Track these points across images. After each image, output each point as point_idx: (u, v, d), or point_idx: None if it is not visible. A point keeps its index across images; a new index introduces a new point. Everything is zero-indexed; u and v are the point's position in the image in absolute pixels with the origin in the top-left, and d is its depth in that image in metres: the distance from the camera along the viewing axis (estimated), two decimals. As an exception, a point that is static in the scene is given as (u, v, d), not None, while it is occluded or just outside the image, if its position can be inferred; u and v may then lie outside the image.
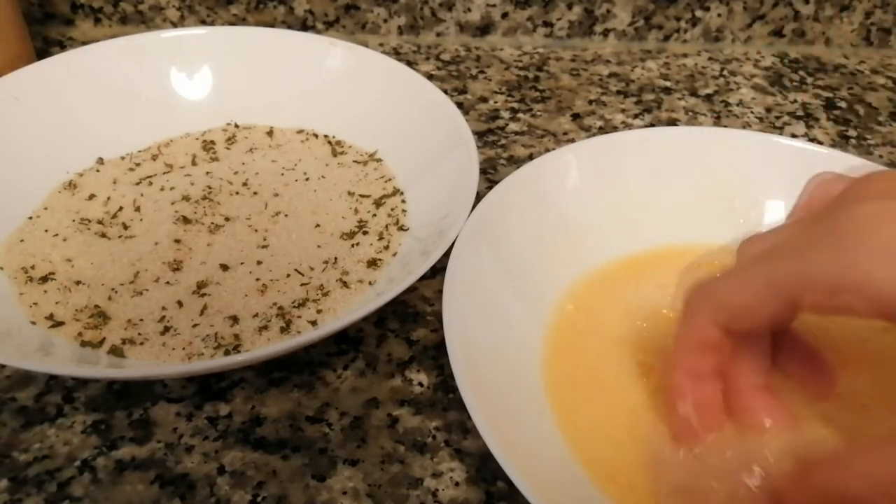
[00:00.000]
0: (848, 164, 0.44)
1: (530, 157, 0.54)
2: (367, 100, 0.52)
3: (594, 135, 0.58)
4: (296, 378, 0.38)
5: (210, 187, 0.47)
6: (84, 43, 0.53)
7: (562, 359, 0.37)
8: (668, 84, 0.65)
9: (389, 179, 0.48)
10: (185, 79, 0.53)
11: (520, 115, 0.60)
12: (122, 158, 0.49)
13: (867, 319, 0.26)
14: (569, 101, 0.62)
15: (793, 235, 0.29)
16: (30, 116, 0.47)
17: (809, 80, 0.68)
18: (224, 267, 0.41)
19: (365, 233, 0.44)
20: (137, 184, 0.47)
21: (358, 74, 0.53)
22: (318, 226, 0.44)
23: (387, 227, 0.44)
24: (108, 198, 0.46)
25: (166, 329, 0.38)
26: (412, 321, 0.41)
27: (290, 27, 0.67)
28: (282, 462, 0.34)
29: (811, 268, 0.27)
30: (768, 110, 0.63)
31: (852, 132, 0.61)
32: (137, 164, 0.49)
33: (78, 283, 0.40)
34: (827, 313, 0.28)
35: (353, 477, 0.34)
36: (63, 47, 0.64)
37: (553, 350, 0.38)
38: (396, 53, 0.67)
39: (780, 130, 0.60)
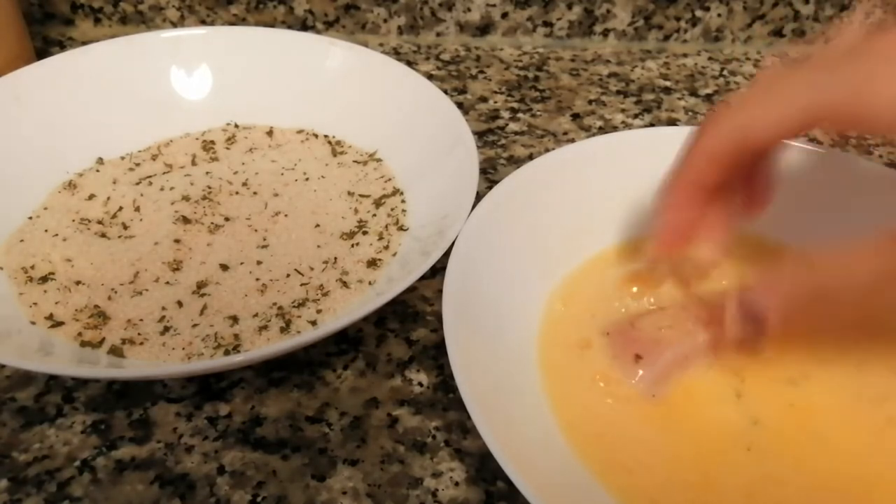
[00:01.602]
0: (848, 164, 0.44)
1: (530, 157, 0.54)
2: (367, 100, 0.52)
3: (594, 135, 0.58)
4: (295, 378, 0.38)
5: (210, 187, 0.47)
6: (84, 43, 0.53)
7: (562, 358, 0.37)
8: (668, 84, 0.66)
9: (389, 179, 0.48)
10: (185, 79, 0.53)
11: (520, 114, 0.60)
12: (122, 158, 0.49)
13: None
14: (569, 101, 0.62)
15: (818, 60, 0.30)
16: (30, 116, 0.47)
17: (809, 79, 0.68)
18: (224, 267, 0.41)
19: (365, 233, 0.44)
20: (137, 184, 0.47)
21: (358, 74, 0.53)
22: (317, 226, 0.44)
23: (387, 227, 0.44)
24: (108, 198, 0.46)
25: (166, 329, 0.38)
26: (412, 321, 0.41)
27: (290, 27, 0.67)
28: (281, 462, 0.34)
29: (834, 83, 0.28)
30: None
31: (852, 132, 0.61)
32: (137, 164, 0.49)
33: (78, 283, 0.40)
34: (843, 128, 0.32)
35: (353, 477, 0.34)
36: (63, 47, 0.64)
37: (552, 349, 0.38)
38: (396, 53, 0.67)
39: (779, 130, 0.60)
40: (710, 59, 0.70)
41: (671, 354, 0.35)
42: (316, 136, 0.52)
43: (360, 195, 0.47)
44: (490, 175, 0.53)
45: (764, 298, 0.30)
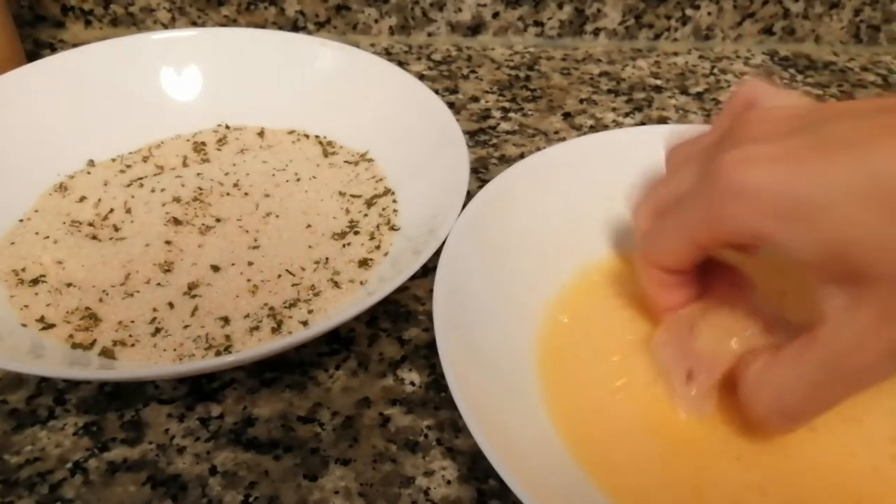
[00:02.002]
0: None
1: (521, 157, 0.54)
2: (358, 100, 0.52)
3: (585, 134, 0.58)
4: (287, 378, 0.38)
5: (201, 188, 0.47)
6: (75, 45, 0.52)
7: (552, 356, 0.37)
8: (658, 83, 0.66)
9: (380, 179, 0.48)
10: (176, 80, 0.53)
11: (511, 114, 0.60)
12: (113, 160, 0.49)
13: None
14: (560, 101, 0.62)
15: (690, 176, 0.33)
16: (20, 119, 0.47)
17: (799, 77, 0.69)
18: (215, 268, 0.41)
19: (356, 233, 0.44)
20: (128, 185, 0.47)
21: (349, 75, 0.53)
22: (309, 226, 0.44)
23: (378, 226, 0.44)
24: (99, 200, 0.46)
25: (157, 330, 0.38)
26: (404, 320, 0.42)
27: (280, 28, 0.67)
28: (273, 462, 0.34)
29: (692, 218, 0.31)
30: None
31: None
32: (128, 166, 0.48)
33: (69, 285, 0.40)
34: (728, 248, 0.33)
35: (345, 476, 0.34)
36: (54, 49, 0.64)
37: (544, 348, 0.38)
38: (388, 54, 0.67)
39: (770, 128, 0.60)
40: (700, 57, 0.70)
41: (724, 372, 0.34)
42: (307, 136, 0.52)
43: (352, 195, 0.47)
44: (481, 174, 0.53)
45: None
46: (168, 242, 0.43)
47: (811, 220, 0.27)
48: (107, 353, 0.36)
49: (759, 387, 0.31)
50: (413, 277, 0.36)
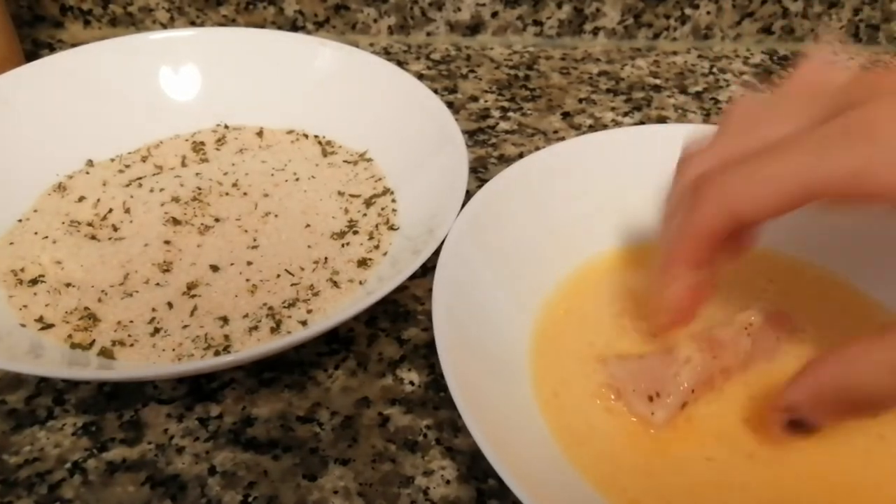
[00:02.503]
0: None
1: (520, 156, 0.54)
2: (357, 100, 0.52)
3: (584, 133, 0.58)
4: (286, 378, 0.38)
5: (200, 188, 0.47)
6: (73, 45, 0.52)
7: (551, 356, 0.37)
8: (657, 82, 0.66)
9: (380, 179, 0.48)
10: (175, 80, 0.53)
11: (510, 113, 0.60)
12: (112, 160, 0.49)
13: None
14: (559, 100, 0.62)
15: (805, 130, 0.29)
16: (19, 119, 0.47)
17: (799, 76, 0.68)
18: (214, 268, 0.41)
19: (355, 232, 0.44)
20: (127, 185, 0.47)
21: (348, 74, 0.53)
22: (308, 226, 0.44)
23: (377, 226, 0.44)
24: (98, 200, 0.46)
25: (156, 330, 0.38)
26: (403, 320, 0.41)
27: (279, 28, 0.67)
28: (273, 462, 0.34)
29: (830, 166, 0.27)
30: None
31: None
32: (127, 166, 0.48)
33: (68, 285, 0.40)
34: (840, 204, 0.29)
35: (345, 476, 0.34)
36: (52, 49, 0.64)
37: (543, 347, 0.38)
38: (387, 53, 0.67)
39: (769, 127, 0.61)
40: (699, 56, 0.70)
41: (687, 387, 0.34)
42: (306, 136, 0.52)
43: (351, 195, 0.47)
44: (481, 174, 0.53)
45: (797, 402, 0.29)
46: (167, 242, 0.43)
47: None
48: (106, 353, 0.36)
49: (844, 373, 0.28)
50: (412, 277, 0.36)
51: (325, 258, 0.42)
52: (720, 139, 0.32)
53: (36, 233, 0.43)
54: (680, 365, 0.34)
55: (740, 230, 0.30)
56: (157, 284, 0.40)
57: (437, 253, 0.37)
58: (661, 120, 0.61)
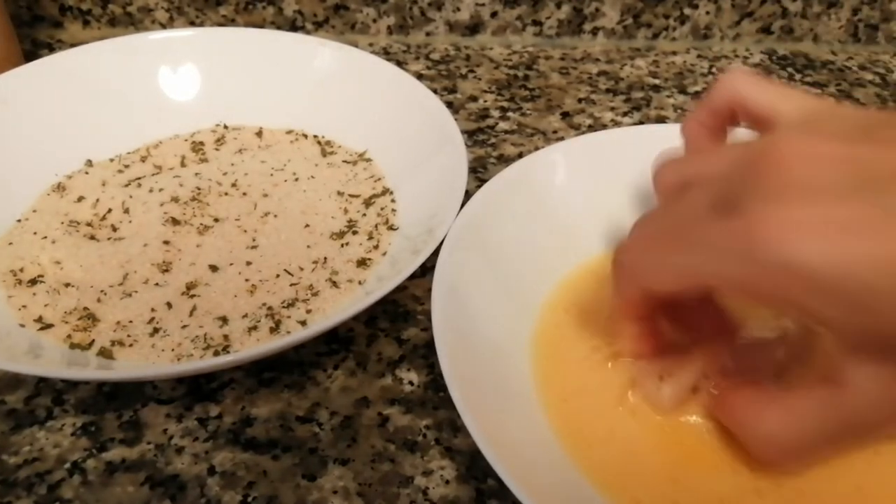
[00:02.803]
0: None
1: (520, 156, 0.54)
2: (356, 100, 0.52)
3: (584, 133, 0.58)
4: (286, 378, 0.38)
5: (199, 188, 0.47)
6: (73, 45, 0.52)
7: (551, 356, 0.37)
8: (657, 82, 0.66)
9: (379, 179, 0.48)
10: (174, 80, 0.53)
11: (509, 113, 0.60)
12: (111, 160, 0.49)
13: None
14: (558, 100, 0.62)
15: (703, 219, 0.28)
16: (18, 119, 0.47)
17: (798, 76, 0.69)
18: (213, 268, 0.41)
19: (354, 232, 0.44)
20: (126, 185, 0.47)
21: (347, 74, 0.53)
22: (307, 226, 0.44)
23: (376, 226, 0.44)
24: (97, 200, 0.46)
25: (156, 330, 0.38)
26: (402, 320, 0.41)
27: (279, 28, 0.67)
28: (272, 462, 0.34)
29: (719, 271, 0.27)
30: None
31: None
32: (126, 166, 0.48)
33: (67, 285, 0.40)
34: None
35: (344, 476, 0.34)
36: (52, 49, 0.64)
37: (542, 346, 0.38)
38: (386, 53, 0.67)
39: (768, 127, 0.61)
40: (698, 56, 0.70)
41: (699, 368, 0.34)
42: (305, 136, 0.52)
43: (350, 195, 0.47)
44: (480, 174, 0.53)
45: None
46: (166, 242, 0.43)
47: (867, 308, 0.24)
48: (105, 354, 0.36)
49: (763, 424, 0.30)
50: (411, 277, 0.36)
51: (325, 258, 0.42)
52: (655, 209, 0.33)
53: (35, 233, 0.43)
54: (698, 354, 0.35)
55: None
56: (157, 284, 0.40)
57: (436, 253, 0.37)
58: (661, 120, 0.61)
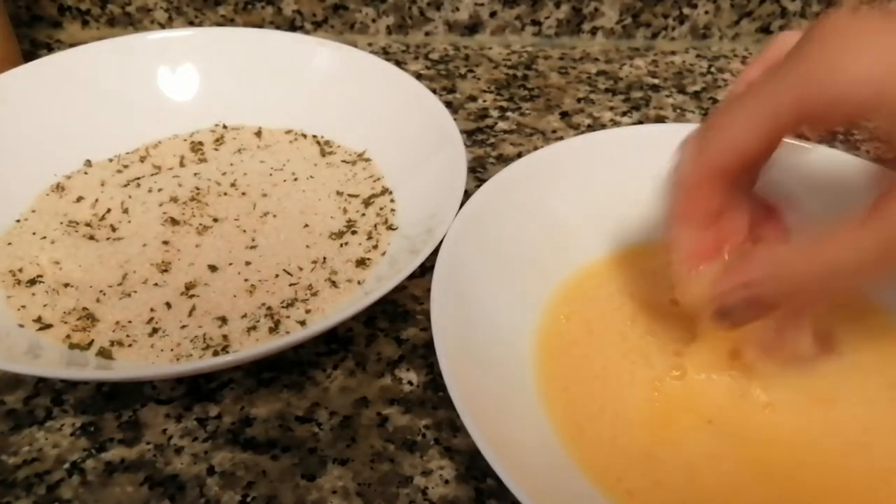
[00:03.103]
0: (834, 159, 0.44)
1: (519, 156, 0.54)
2: (355, 100, 0.52)
3: (583, 133, 0.58)
4: (285, 378, 0.38)
5: (198, 188, 0.47)
6: (72, 45, 0.52)
7: (551, 355, 0.37)
8: (656, 81, 0.66)
9: (378, 179, 0.48)
10: (173, 80, 0.53)
11: (508, 113, 0.60)
12: (110, 160, 0.49)
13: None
14: (557, 100, 0.62)
15: (770, 71, 0.30)
16: (17, 119, 0.47)
17: (797, 76, 0.68)
18: (212, 268, 0.41)
19: (354, 232, 0.44)
20: (125, 185, 0.47)
21: (346, 74, 0.53)
22: (306, 226, 0.44)
23: (375, 226, 0.44)
24: (96, 200, 0.46)
25: (155, 331, 0.38)
26: (402, 320, 0.41)
27: (278, 28, 0.67)
28: (271, 462, 0.34)
29: (791, 87, 0.28)
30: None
31: (839, 127, 0.61)
32: (125, 166, 0.48)
33: (66, 285, 0.40)
34: (817, 125, 0.31)
35: (343, 476, 0.34)
36: (51, 49, 0.64)
37: (542, 346, 0.38)
38: (385, 53, 0.67)
39: (767, 127, 0.61)
40: (697, 56, 0.70)
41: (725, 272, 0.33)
42: (304, 136, 0.52)
43: (349, 195, 0.47)
44: (479, 174, 0.53)
45: (772, 285, 0.30)
46: (165, 242, 0.43)
47: None
48: (104, 354, 0.36)
49: (808, 260, 0.29)
50: (411, 277, 0.36)
51: (324, 258, 0.42)
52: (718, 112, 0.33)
53: (34, 233, 0.43)
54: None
55: (744, 176, 0.32)
56: (156, 284, 0.40)
57: (435, 253, 0.37)
58: (660, 119, 0.61)
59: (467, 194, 0.41)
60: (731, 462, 0.33)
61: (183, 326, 0.38)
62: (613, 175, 0.45)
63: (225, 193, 0.47)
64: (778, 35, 0.35)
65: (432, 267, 0.36)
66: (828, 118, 0.28)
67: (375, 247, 0.43)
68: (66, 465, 0.34)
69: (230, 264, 0.42)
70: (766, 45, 0.35)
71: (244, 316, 0.39)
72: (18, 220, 0.44)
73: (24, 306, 0.38)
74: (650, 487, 0.32)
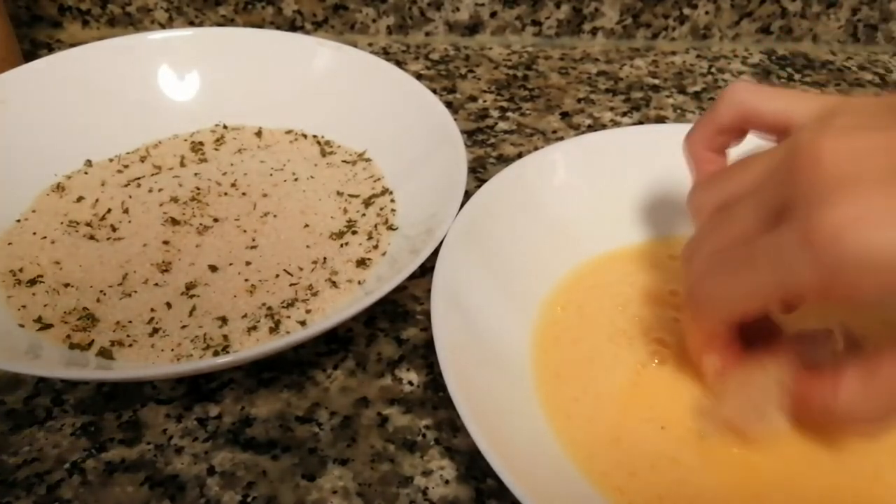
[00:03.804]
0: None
1: (519, 156, 0.54)
2: (355, 100, 0.52)
3: (583, 133, 0.58)
4: (285, 378, 0.38)
5: (198, 188, 0.47)
6: (72, 45, 0.52)
7: (551, 356, 0.37)
8: (656, 82, 0.66)
9: (378, 179, 0.48)
10: (174, 80, 0.53)
11: (509, 113, 0.60)
12: (111, 160, 0.49)
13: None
14: (558, 100, 0.62)
15: (753, 235, 0.29)
16: (17, 119, 0.47)
17: (797, 76, 0.69)
18: (213, 268, 0.41)
19: (354, 232, 0.44)
20: (126, 185, 0.47)
21: (347, 74, 0.53)
22: (306, 226, 0.44)
23: (376, 226, 0.44)
24: (97, 200, 0.46)
25: (155, 331, 0.38)
26: (402, 320, 0.41)
27: (278, 28, 0.67)
28: (272, 462, 0.34)
29: (799, 280, 0.27)
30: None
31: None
32: (126, 166, 0.48)
33: (66, 285, 0.40)
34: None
35: (343, 476, 0.34)
36: (51, 49, 0.64)
37: (542, 347, 0.38)
38: (385, 53, 0.67)
39: (768, 127, 0.61)
40: (698, 56, 0.70)
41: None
42: (305, 136, 0.52)
43: (350, 195, 0.47)
44: (480, 174, 0.53)
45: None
46: (166, 242, 0.43)
47: None
48: (104, 354, 0.36)
49: (841, 391, 0.29)
50: (411, 277, 0.36)
51: (324, 258, 0.42)
52: (702, 235, 0.33)
53: (34, 233, 0.43)
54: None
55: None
56: (156, 285, 0.40)
57: (435, 253, 0.37)
58: (660, 120, 0.61)
59: (467, 194, 0.41)
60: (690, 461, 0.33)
61: (183, 326, 0.38)
62: (614, 175, 0.45)
63: (225, 193, 0.47)
64: (728, 88, 0.35)
65: (432, 267, 0.36)
66: (849, 300, 0.27)
67: (376, 247, 0.43)
68: (67, 465, 0.34)
69: (230, 264, 0.42)
70: (716, 102, 0.35)
71: (244, 316, 0.39)
72: (19, 220, 0.44)
73: (24, 306, 0.38)
74: (649, 485, 0.32)
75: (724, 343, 0.34)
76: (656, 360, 0.37)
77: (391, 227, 0.44)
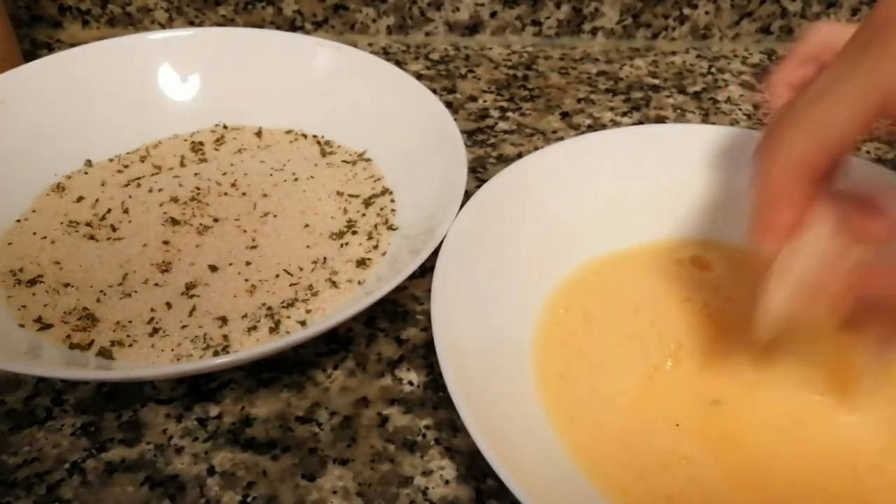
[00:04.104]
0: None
1: (519, 156, 0.54)
2: (355, 100, 0.52)
3: (583, 133, 0.58)
4: (285, 378, 0.38)
5: (198, 188, 0.47)
6: (72, 45, 0.52)
7: (553, 357, 0.37)
8: (656, 82, 0.66)
9: (378, 179, 0.48)
10: (174, 80, 0.53)
11: (509, 113, 0.60)
12: (111, 160, 0.49)
13: None
14: (558, 100, 0.62)
15: (837, 69, 0.30)
16: (17, 119, 0.47)
17: (797, 76, 0.68)
18: (213, 268, 0.41)
19: (354, 232, 0.44)
20: (126, 185, 0.47)
21: (347, 74, 0.53)
22: (307, 226, 0.44)
23: (376, 226, 0.44)
24: (97, 200, 0.46)
25: (155, 331, 0.38)
26: (402, 320, 0.41)
27: (278, 28, 0.67)
28: (272, 462, 0.34)
29: (888, 77, 0.28)
30: (756, 107, 0.63)
31: None
32: (126, 166, 0.48)
33: (66, 285, 0.40)
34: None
35: (343, 476, 0.34)
36: (51, 49, 0.64)
37: (544, 348, 0.38)
38: (385, 53, 0.67)
39: (768, 127, 0.61)
40: (698, 56, 0.70)
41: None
42: (305, 136, 0.52)
43: (350, 195, 0.47)
44: (480, 174, 0.53)
45: None
46: (166, 242, 0.43)
47: None
48: (104, 354, 0.36)
49: None
50: (411, 277, 0.36)
51: (324, 258, 0.42)
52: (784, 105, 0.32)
53: (34, 233, 0.43)
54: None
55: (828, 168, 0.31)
56: (156, 285, 0.40)
57: (435, 253, 0.37)
58: (660, 120, 0.61)
59: (468, 194, 0.41)
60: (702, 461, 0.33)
61: (183, 326, 0.38)
62: (613, 175, 0.45)
63: (225, 193, 0.47)
64: (812, 27, 0.37)
65: (432, 267, 0.36)
66: None
67: (376, 247, 0.43)
68: (67, 465, 0.34)
69: (230, 264, 0.42)
70: (801, 39, 0.37)
71: (244, 316, 0.39)
72: (19, 220, 0.44)
73: (24, 306, 0.38)
74: (649, 486, 0.32)
75: (797, 201, 0.31)
76: (670, 363, 0.37)
77: (391, 227, 0.44)
